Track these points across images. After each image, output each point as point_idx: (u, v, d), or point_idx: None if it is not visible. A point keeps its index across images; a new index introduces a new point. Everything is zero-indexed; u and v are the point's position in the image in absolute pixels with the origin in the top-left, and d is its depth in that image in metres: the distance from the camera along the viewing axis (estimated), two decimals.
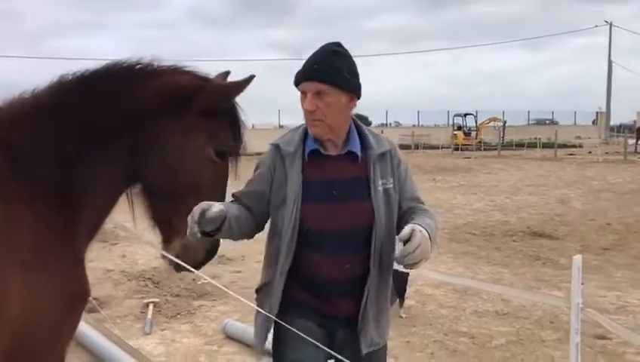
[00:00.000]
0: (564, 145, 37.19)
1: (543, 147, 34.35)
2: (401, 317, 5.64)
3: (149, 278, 6.90)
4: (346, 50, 2.31)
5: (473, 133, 40.17)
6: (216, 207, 2.04)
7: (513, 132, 42.49)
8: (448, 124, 44.95)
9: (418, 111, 49.05)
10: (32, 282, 1.84)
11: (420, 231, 2.01)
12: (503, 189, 16.41)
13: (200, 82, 2.27)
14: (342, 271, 2.26)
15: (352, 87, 2.28)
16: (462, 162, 28.02)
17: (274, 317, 2.25)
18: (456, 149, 37.00)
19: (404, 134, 43.08)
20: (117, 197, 2.32)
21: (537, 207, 12.82)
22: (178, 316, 5.67)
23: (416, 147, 39.82)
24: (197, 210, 2.01)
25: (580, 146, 39.98)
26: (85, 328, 4.91)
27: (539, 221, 10.99)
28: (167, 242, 2.34)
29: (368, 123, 60.22)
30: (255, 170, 2.38)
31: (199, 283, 6.37)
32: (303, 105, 2.24)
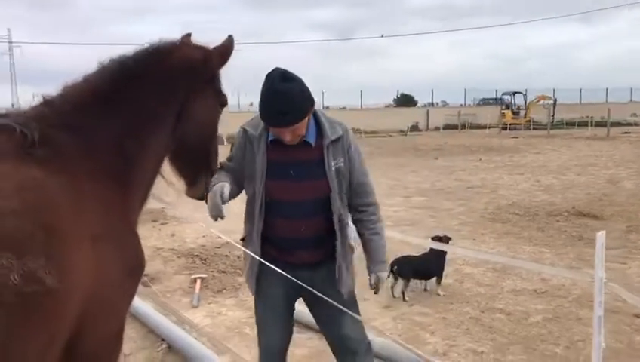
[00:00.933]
0: (618, 124, 35.93)
1: (595, 125, 33.31)
2: (439, 295, 5.75)
3: (197, 255, 7.22)
4: (292, 75, 2.69)
5: (522, 112, 39.24)
6: (226, 189, 2.68)
7: (564, 110, 41.27)
8: (496, 102, 43.99)
9: (465, 90, 48.16)
10: (100, 252, 2.01)
11: (382, 276, 3.09)
12: (551, 169, 16.12)
13: (203, 51, 2.54)
14: (299, 232, 2.85)
15: (311, 107, 2.75)
16: (509, 142, 27.54)
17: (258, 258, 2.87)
18: (504, 129, 36.30)
19: (450, 114, 42.58)
20: (159, 171, 2.55)
21: (585, 187, 12.59)
22: (224, 291, 5.95)
23: (463, 127, 39.30)
24: (217, 198, 2.65)
25: (636, 125, 38.55)
26: (138, 301, 5.24)
27: (585, 201, 10.81)
28: (193, 185, 2.76)
29: (414, 103, 59.64)
30: (231, 149, 2.97)
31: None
32: (278, 134, 2.74)
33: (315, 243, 2.90)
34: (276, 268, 2.79)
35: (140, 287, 5.82)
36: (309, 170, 2.81)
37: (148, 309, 5.09)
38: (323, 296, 2.77)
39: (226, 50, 2.58)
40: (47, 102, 2.24)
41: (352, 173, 2.89)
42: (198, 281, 6.12)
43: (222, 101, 2.67)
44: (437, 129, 39.32)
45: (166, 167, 2.67)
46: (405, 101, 59.46)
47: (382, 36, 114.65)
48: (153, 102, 2.40)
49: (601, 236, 2.68)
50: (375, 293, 3.18)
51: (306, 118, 2.73)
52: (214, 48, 2.56)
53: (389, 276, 5.65)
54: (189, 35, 2.61)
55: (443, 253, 5.73)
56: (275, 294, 2.96)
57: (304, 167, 2.81)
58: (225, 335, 4.84)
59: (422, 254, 5.94)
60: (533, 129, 36.32)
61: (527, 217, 9.53)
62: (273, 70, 2.68)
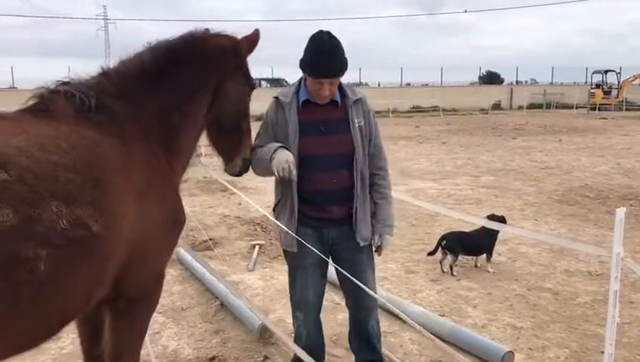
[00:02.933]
0: None
1: None
2: (489, 271, 5.79)
3: (259, 224, 7.59)
4: (336, 37, 3.11)
5: (614, 92, 36.96)
6: (291, 157, 3.06)
7: None
8: (586, 81, 41.65)
9: (552, 68, 45.89)
10: (145, 206, 2.28)
11: (385, 237, 3.37)
12: (635, 152, 15.29)
13: (233, 40, 2.82)
14: (330, 183, 3.22)
15: (347, 67, 3.15)
16: (596, 123, 26.17)
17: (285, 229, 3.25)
18: (593, 109, 34.41)
19: (536, 92, 40.80)
20: (197, 143, 2.83)
21: None
22: (279, 257, 6.24)
23: (548, 106, 37.63)
24: (292, 165, 3.04)
25: None
26: (198, 264, 5.66)
27: None
28: (230, 161, 3.08)
29: (500, 80, 57.51)
30: (264, 118, 3.32)
31: None
32: (317, 89, 3.12)
33: (343, 196, 3.25)
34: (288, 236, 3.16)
35: (201, 252, 6.26)
36: (336, 125, 3.22)
37: (207, 270, 5.48)
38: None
39: (253, 40, 2.88)
40: (105, 74, 2.55)
41: (371, 136, 3.29)
42: (256, 247, 6.48)
43: (250, 84, 2.98)
44: (520, 108, 37.84)
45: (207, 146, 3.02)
46: (491, 79, 57.51)
47: (465, 11, 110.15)
48: (194, 81, 2.70)
49: (620, 212, 2.70)
50: (378, 255, 3.48)
51: (344, 75, 3.15)
52: (243, 38, 2.85)
53: (437, 251, 5.77)
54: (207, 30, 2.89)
55: (494, 231, 5.74)
56: (309, 251, 3.21)
57: (332, 124, 3.22)
58: (274, 297, 5.15)
59: (472, 230, 5.97)
60: (626, 110, 34.23)
61: (597, 200, 9.21)
62: (319, 31, 3.15)
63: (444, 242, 5.78)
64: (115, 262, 2.15)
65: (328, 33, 3.13)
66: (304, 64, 3.12)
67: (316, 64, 3.07)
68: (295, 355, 3.60)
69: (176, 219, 2.58)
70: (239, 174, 3.18)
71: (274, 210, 3.40)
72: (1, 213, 1.68)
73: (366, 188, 3.30)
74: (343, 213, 3.27)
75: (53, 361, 3.97)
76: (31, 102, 2.23)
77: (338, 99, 3.24)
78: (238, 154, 3.05)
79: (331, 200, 3.25)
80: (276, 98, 3.28)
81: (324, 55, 3.06)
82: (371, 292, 3.21)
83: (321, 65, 3.06)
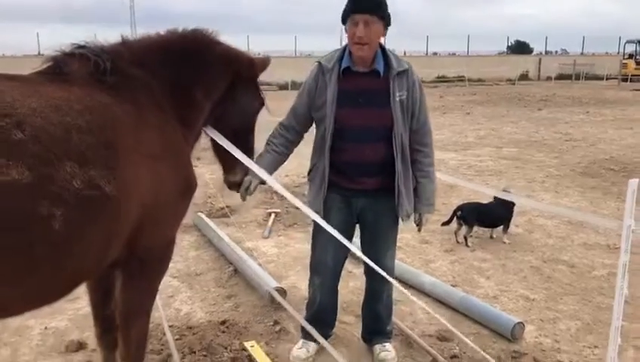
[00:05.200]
0: None
1: None
2: (504, 243, 5.74)
3: (275, 192, 7.61)
4: None
5: None
6: (254, 183, 3.13)
7: None
8: (618, 52, 40.44)
9: (583, 37, 44.63)
10: (157, 170, 2.33)
11: (426, 216, 3.39)
12: None
13: (249, 55, 2.97)
14: (364, 156, 3.14)
15: (388, 18, 3.04)
16: (627, 95, 25.48)
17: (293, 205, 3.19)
18: (625, 80, 33.46)
19: (565, 63, 39.83)
20: (207, 121, 2.87)
21: None
22: (294, 225, 6.30)
23: (577, 77, 36.75)
24: (243, 188, 3.14)
25: None
26: (213, 229, 5.72)
27: None
28: (230, 171, 3.11)
29: (529, 50, 56.23)
30: (303, 85, 3.26)
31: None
32: (353, 32, 2.99)
33: (377, 169, 3.18)
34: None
35: (217, 219, 6.31)
36: (375, 98, 3.10)
37: (221, 236, 5.55)
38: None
39: (266, 62, 2.99)
40: (125, 42, 2.57)
41: (414, 110, 3.17)
42: (272, 215, 6.52)
43: (260, 102, 3.03)
44: (549, 79, 37.00)
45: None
46: (519, 49, 56.27)
47: None
48: (214, 68, 2.75)
49: (633, 183, 2.63)
50: (418, 231, 3.52)
51: (381, 24, 3.01)
52: (254, 57, 2.99)
53: (451, 221, 5.74)
54: None
55: (511, 203, 5.68)
56: (334, 218, 3.22)
57: (371, 96, 3.10)
58: (289, 264, 5.20)
59: (489, 202, 5.92)
60: None
61: (622, 173, 9.02)
62: None
63: (460, 213, 5.74)
64: (127, 223, 2.18)
65: None
66: (343, 11, 3.05)
67: (352, 2, 3.00)
68: (304, 319, 3.64)
69: (188, 185, 2.61)
70: (238, 185, 3.18)
71: (308, 174, 3.40)
72: (17, 171, 1.72)
73: (407, 163, 3.21)
74: (374, 184, 3.22)
75: (69, 321, 4.08)
76: (46, 65, 2.25)
77: (381, 69, 3.09)
78: (238, 167, 3.04)
79: (364, 173, 3.20)
80: (318, 63, 3.19)
81: None
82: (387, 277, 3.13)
83: (356, 1, 2.98)
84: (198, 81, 2.69)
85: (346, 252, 3.45)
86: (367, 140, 3.12)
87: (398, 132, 3.10)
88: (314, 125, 3.34)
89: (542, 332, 3.92)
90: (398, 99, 3.08)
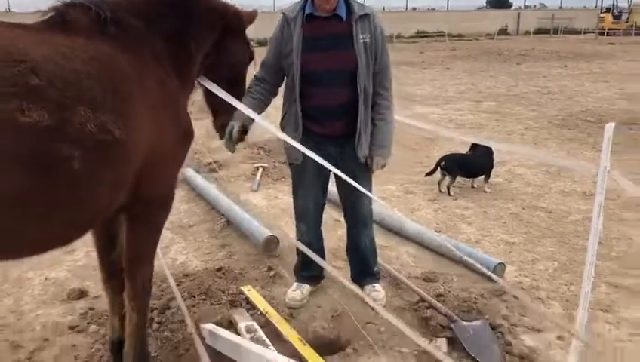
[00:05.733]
0: None
1: None
2: (485, 192, 5.96)
3: (262, 147, 7.71)
4: None
5: (624, 16, 36.05)
6: (236, 127, 3.17)
7: None
8: (596, 6, 40.51)
9: None
10: (159, 118, 2.41)
11: (381, 160, 3.42)
12: None
13: (236, 9, 3.03)
14: (332, 100, 3.28)
15: None
16: (604, 48, 25.72)
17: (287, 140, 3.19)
18: (602, 34, 33.68)
19: (543, 17, 39.83)
20: (201, 72, 2.96)
21: None
22: (282, 179, 6.43)
23: (556, 31, 36.84)
24: (227, 137, 3.21)
25: None
26: (204, 182, 5.83)
27: None
28: (220, 116, 3.25)
29: (508, 5, 55.92)
30: (271, 36, 3.37)
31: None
32: None
33: (343, 112, 3.31)
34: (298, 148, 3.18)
35: (207, 174, 6.41)
36: (339, 41, 3.22)
37: (212, 190, 5.66)
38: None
39: (253, 15, 3.10)
40: None
41: (377, 53, 3.28)
42: (260, 170, 6.64)
43: (250, 55, 3.14)
44: (527, 34, 37.05)
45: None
46: (498, 3, 55.93)
47: None
48: (207, 19, 2.83)
49: (609, 127, 2.79)
50: (371, 173, 3.55)
51: None
52: (243, 10, 3.07)
53: (435, 172, 5.91)
54: None
55: (491, 152, 5.89)
56: (312, 165, 3.29)
57: (335, 39, 3.23)
58: (277, 215, 5.35)
59: (470, 152, 6.10)
60: (635, 35, 33.48)
61: (598, 124, 9.24)
62: None
63: (443, 163, 5.91)
64: (134, 167, 2.28)
65: None
66: None
67: None
68: (297, 263, 3.83)
69: (187, 133, 2.70)
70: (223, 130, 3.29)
71: (280, 124, 3.49)
72: (38, 113, 1.80)
73: (369, 106, 3.33)
74: (342, 128, 3.36)
75: (68, 272, 4.20)
76: (49, 15, 2.30)
77: (343, 14, 3.22)
78: (228, 111, 3.14)
79: (332, 117, 3.34)
80: (283, 13, 3.33)
81: None
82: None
83: None
84: (190, 33, 2.76)
85: (324, 198, 3.67)
86: (333, 84, 3.26)
87: (362, 74, 3.22)
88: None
89: (521, 273, 4.16)
90: (361, 41, 3.20)
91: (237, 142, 3.26)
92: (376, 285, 3.76)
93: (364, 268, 3.78)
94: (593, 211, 2.93)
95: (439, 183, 5.95)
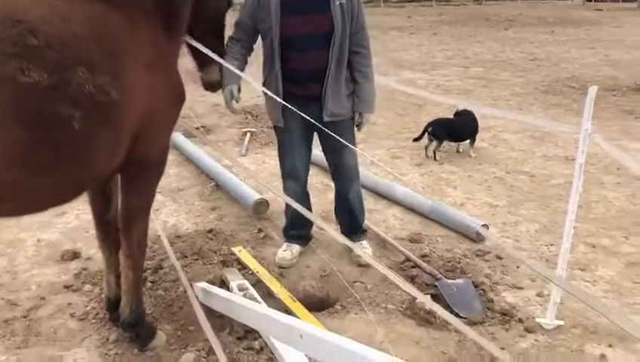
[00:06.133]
0: None
1: None
2: (470, 156, 6.07)
3: (250, 112, 7.74)
4: None
5: None
6: (235, 90, 3.39)
7: None
8: None
9: None
10: (153, 78, 2.44)
11: (365, 116, 3.59)
12: (626, 44, 15.22)
13: None
14: (309, 63, 3.37)
15: None
16: (591, 15, 25.70)
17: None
18: (590, 0, 33.58)
19: None
20: (186, 27, 2.95)
21: None
22: (270, 144, 6.47)
23: None
24: (229, 101, 3.44)
25: None
26: (193, 147, 5.87)
27: None
28: (205, 68, 3.25)
29: None
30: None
31: None
32: None
33: (321, 75, 3.39)
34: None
35: (195, 139, 6.43)
36: (316, 4, 3.32)
37: (201, 154, 5.71)
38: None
39: None
40: None
41: (353, 14, 3.37)
42: (248, 134, 6.68)
43: (228, 1, 3.14)
44: None
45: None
46: None
47: None
48: None
49: (592, 90, 2.88)
50: (358, 130, 3.70)
51: None
52: None
53: (422, 137, 6.00)
54: None
55: (475, 117, 5.99)
56: (294, 126, 3.51)
57: (312, 2, 3.33)
58: (267, 179, 5.40)
59: (456, 117, 6.18)
60: (623, 1, 33.39)
61: (582, 90, 9.33)
62: None
63: (430, 128, 5.99)
64: (129, 128, 2.33)
65: None
66: None
67: None
68: (286, 224, 3.93)
69: (179, 94, 2.75)
70: (215, 85, 3.34)
71: (263, 84, 3.52)
72: (37, 73, 1.85)
73: (342, 68, 3.41)
74: (320, 89, 3.43)
75: (60, 234, 4.27)
76: None
77: None
78: (212, 63, 3.16)
79: (310, 79, 3.42)
80: None
81: None
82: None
83: None
84: None
85: (310, 156, 3.78)
86: (311, 47, 3.35)
87: (337, 36, 3.31)
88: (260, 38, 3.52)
89: (504, 234, 4.30)
90: (337, 3, 3.29)
91: (238, 101, 3.47)
92: (364, 242, 3.91)
93: (352, 223, 3.91)
94: (575, 173, 3.05)
95: (426, 148, 6.04)
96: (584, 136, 2.95)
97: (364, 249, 3.79)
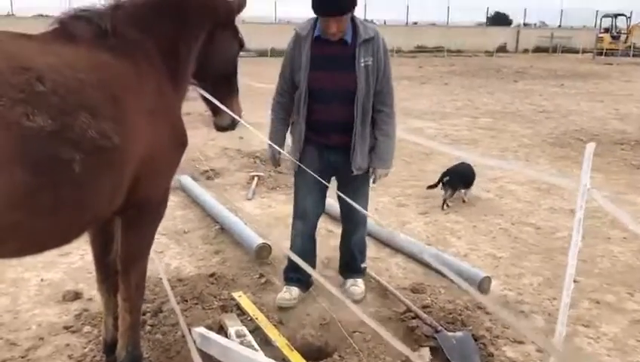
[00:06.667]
0: None
1: None
2: (464, 201, 6.13)
3: (258, 156, 7.83)
4: None
5: (623, 37, 36.40)
6: (277, 155, 3.83)
7: None
8: (595, 25, 40.91)
9: (561, 11, 44.95)
10: (155, 124, 2.51)
11: (382, 172, 3.75)
12: (635, 98, 15.34)
13: (225, 1, 3.03)
14: (331, 116, 3.57)
15: (354, 6, 3.41)
16: (601, 68, 25.99)
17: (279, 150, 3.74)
18: (600, 54, 34.01)
19: (543, 35, 40.16)
20: (191, 75, 3.04)
21: None
22: (277, 188, 6.54)
23: (554, 50, 37.18)
24: (272, 162, 3.96)
25: None
26: (199, 189, 5.93)
27: None
28: (217, 113, 3.27)
29: (508, 22, 56.38)
30: (286, 50, 3.68)
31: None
32: (326, 26, 3.37)
33: (342, 127, 3.58)
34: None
35: (202, 181, 6.51)
36: (343, 63, 3.49)
37: (207, 197, 5.77)
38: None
39: (242, 3, 3.10)
40: (118, 4, 2.72)
41: (379, 74, 3.53)
42: (256, 178, 6.74)
43: (240, 42, 3.18)
44: (526, 51, 37.41)
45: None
46: (499, 20, 56.33)
47: None
48: (194, 20, 2.88)
49: (590, 146, 2.92)
50: (373, 183, 3.88)
51: (350, 14, 3.40)
52: (234, 1, 3.07)
53: (437, 185, 6.06)
54: None
55: (472, 169, 6.20)
56: (310, 168, 3.61)
57: (340, 61, 3.50)
58: (271, 223, 5.46)
59: (460, 165, 6.27)
60: (633, 56, 33.79)
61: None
62: None
63: (447, 178, 6.04)
64: (130, 172, 2.39)
65: None
66: (312, 3, 3.37)
67: (319, 2, 3.32)
68: (286, 267, 3.99)
69: (181, 140, 2.81)
70: (227, 128, 3.38)
71: (290, 133, 3.80)
72: (42, 118, 1.92)
73: (366, 124, 3.58)
74: (341, 141, 3.61)
75: (64, 274, 4.29)
76: (53, 27, 2.43)
77: (349, 38, 3.47)
78: (227, 105, 3.21)
79: (332, 130, 3.60)
80: (295, 31, 3.62)
81: None
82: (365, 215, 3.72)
83: (323, 4, 3.32)
84: (182, 35, 2.83)
85: (323, 202, 3.94)
86: (335, 101, 3.53)
87: (361, 95, 3.48)
88: None
89: (507, 286, 4.26)
90: (363, 64, 3.45)
91: (280, 163, 3.99)
92: (359, 280, 4.05)
93: (350, 262, 4.07)
94: (574, 227, 3.05)
95: (445, 200, 6.02)
96: (583, 192, 2.97)
97: (355, 286, 3.98)
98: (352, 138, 3.57)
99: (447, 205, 5.97)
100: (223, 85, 3.16)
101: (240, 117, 3.28)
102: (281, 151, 3.70)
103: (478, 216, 5.80)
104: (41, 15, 28.65)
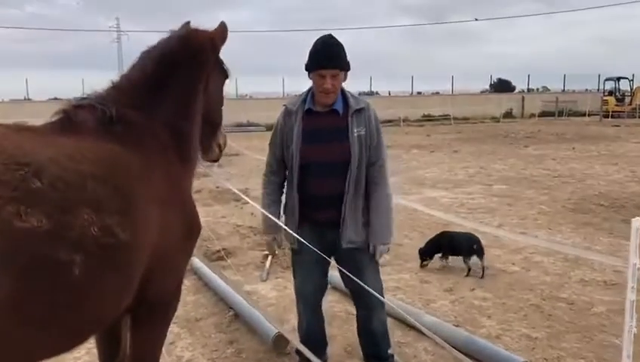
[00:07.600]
0: None
1: None
2: (482, 277, 5.90)
3: None
4: (336, 38, 3.39)
5: (627, 99, 36.72)
6: (278, 239, 3.66)
7: None
8: (598, 89, 41.39)
9: (564, 75, 45.64)
10: (166, 214, 2.34)
11: (383, 247, 3.50)
12: None
13: (209, 35, 2.83)
14: (326, 190, 3.39)
15: (349, 67, 3.39)
16: (609, 130, 26.00)
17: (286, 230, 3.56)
18: (606, 116, 34.20)
19: (548, 100, 40.62)
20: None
21: None
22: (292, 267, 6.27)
23: (560, 114, 37.44)
24: (272, 248, 3.81)
25: None
26: (211, 273, 5.69)
27: None
28: (208, 150, 3.11)
29: (511, 88, 57.30)
30: (275, 126, 3.59)
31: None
32: (321, 83, 3.30)
33: (340, 201, 3.40)
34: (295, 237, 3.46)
35: (214, 262, 6.27)
36: (335, 134, 3.38)
37: (220, 280, 5.51)
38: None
39: (223, 33, 2.91)
40: (116, 86, 2.59)
41: (371, 142, 3.42)
42: (269, 258, 6.48)
43: (225, 74, 3.06)
44: (532, 116, 37.65)
45: None
46: (502, 87, 57.31)
47: (476, 20, 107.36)
48: (190, 84, 2.73)
49: (636, 222, 2.68)
50: (376, 261, 3.60)
51: (344, 74, 3.37)
52: (216, 32, 2.87)
53: (467, 254, 5.94)
54: (188, 23, 2.89)
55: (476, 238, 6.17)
56: (308, 249, 3.39)
57: (332, 132, 3.39)
58: (288, 307, 5.15)
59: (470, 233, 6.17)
60: (639, 117, 33.92)
61: (612, 209, 9.14)
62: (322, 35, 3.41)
63: (476, 246, 5.95)
64: (140, 269, 2.18)
65: (330, 34, 3.41)
66: (307, 60, 3.34)
67: (316, 55, 3.30)
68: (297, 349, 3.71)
69: (194, 227, 2.63)
70: (216, 160, 3.29)
71: (284, 211, 3.60)
72: (36, 218, 1.74)
73: (359, 195, 3.42)
74: (337, 215, 3.42)
75: None
76: (56, 117, 2.29)
77: (340, 108, 3.40)
78: (213, 142, 3.11)
79: (327, 205, 3.42)
80: (285, 106, 3.55)
81: (324, 47, 3.32)
82: (377, 296, 3.39)
83: (320, 56, 3.29)
84: (185, 114, 2.69)
85: (326, 280, 3.73)
86: (329, 175, 3.39)
87: (354, 166, 3.35)
88: None
89: None
90: (356, 134, 3.36)
91: (281, 246, 3.81)
92: None
93: (374, 350, 3.73)
94: (625, 309, 2.77)
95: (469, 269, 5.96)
96: (633, 272, 2.71)
97: None
98: (342, 208, 3.38)
99: (469, 274, 5.88)
100: (210, 120, 2.96)
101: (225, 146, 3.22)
102: (286, 228, 3.46)
103: (506, 292, 5.48)
104: (56, 98, 29.47)
